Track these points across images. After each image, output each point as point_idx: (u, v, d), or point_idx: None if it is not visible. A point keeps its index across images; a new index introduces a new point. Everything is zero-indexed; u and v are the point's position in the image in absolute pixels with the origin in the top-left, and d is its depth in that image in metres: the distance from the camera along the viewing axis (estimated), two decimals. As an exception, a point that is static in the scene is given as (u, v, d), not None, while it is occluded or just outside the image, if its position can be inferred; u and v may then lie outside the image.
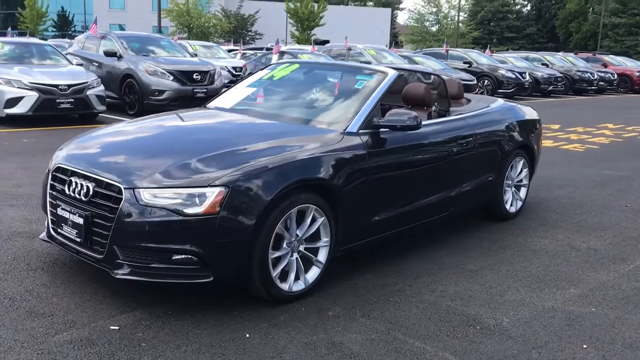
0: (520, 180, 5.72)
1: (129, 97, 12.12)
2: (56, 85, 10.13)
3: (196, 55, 14.81)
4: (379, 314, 3.48)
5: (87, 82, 10.55)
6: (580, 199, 6.55)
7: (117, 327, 3.14)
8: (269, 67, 5.15)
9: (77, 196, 3.43)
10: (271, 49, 18.38)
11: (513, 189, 5.62)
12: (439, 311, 3.57)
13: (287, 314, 3.41)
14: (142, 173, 3.30)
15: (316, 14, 43.07)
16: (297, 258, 3.58)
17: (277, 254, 3.43)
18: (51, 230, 3.66)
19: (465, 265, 4.36)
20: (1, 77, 9.99)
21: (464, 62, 21.17)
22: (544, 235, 5.20)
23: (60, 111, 10.20)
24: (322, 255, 3.71)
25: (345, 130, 3.96)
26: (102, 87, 10.88)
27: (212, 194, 3.17)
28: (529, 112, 5.95)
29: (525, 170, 5.71)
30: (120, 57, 12.39)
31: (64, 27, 55.86)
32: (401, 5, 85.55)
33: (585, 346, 3.24)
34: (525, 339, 3.27)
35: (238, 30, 48.73)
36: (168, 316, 3.30)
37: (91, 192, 3.37)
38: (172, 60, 12.67)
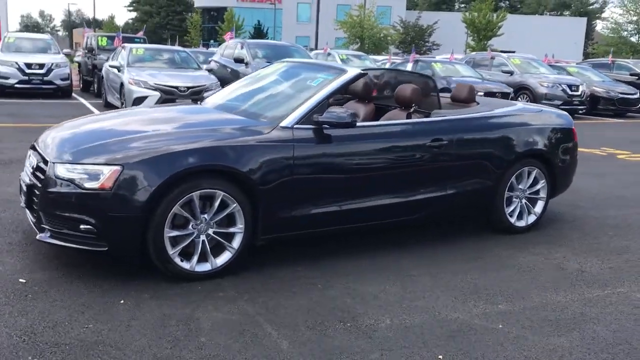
0: (536, 193, 5.28)
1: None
2: (176, 87, 11.33)
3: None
4: (263, 301, 3.59)
5: (205, 85, 11.62)
6: (630, 222, 5.82)
7: (24, 281, 3.66)
8: (266, 66, 5.41)
9: (28, 167, 4.05)
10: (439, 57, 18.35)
11: (523, 201, 5.21)
12: (326, 306, 3.57)
13: (178, 289, 3.67)
14: (66, 152, 3.80)
15: (494, 23, 41.68)
16: (204, 240, 3.81)
17: (176, 233, 3.70)
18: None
19: (409, 270, 4.23)
20: (132, 79, 11.43)
21: (631, 74, 19.18)
22: (536, 252, 4.78)
23: (179, 109, 11.41)
24: (236, 242, 3.90)
25: (278, 124, 4.10)
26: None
27: (108, 172, 3.55)
28: (550, 119, 5.47)
29: (542, 182, 5.26)
30: (247, 64, 13.36)
31: (259, 38, 60.33)
32: (604, 15, 78.72)
33: (440, 357, 3.05)
34: (382, 341, 3.17)
35: (415, 40, 48.88)
36: (63, 279, 3.74)
37: (35, 165, 3.95)
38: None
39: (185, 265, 3.77)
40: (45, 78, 15.20)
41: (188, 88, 11.39)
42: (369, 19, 37.44)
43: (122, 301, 3.47)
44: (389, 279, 4.05)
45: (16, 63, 15.09)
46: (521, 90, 16.20)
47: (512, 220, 5.16)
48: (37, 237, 3.81)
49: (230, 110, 4.57)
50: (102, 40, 17.62)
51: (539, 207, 5.33)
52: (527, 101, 15.23)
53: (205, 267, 3.84)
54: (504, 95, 14.53)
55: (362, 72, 4.58)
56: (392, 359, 3.01)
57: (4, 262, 3.95)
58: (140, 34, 22.03)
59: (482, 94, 12.57)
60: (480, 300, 3.79)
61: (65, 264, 3.96)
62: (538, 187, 5.27)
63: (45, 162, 3.83)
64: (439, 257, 4.52)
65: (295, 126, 4.11)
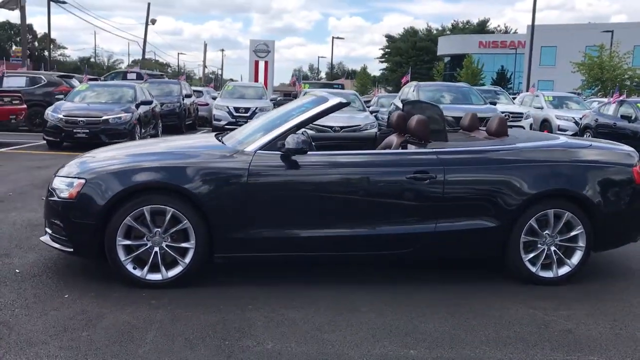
0: (572, 240, 4.55)
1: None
2: (331, 127, 11.93)
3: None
4: (177, 312, 3.80)
5: (359, 125, 12.05)
6: None
7: (19, 271, 4.43)
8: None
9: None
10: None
11: (553, 248, 4.53)
12: (216, 325, 3.64)
13: (125, 291, 4.08)
14: (62, 168, 4.52)
15: None
16: (156, 252, 4.18)
17: (128, 242, 4.14)
18: None
19: (362, 305, 4.04)
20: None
21: None
22: (536, 305, 4.13)
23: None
24: (188, 257, 4.19)
25: (243, 149, 4.32)
26: (375, 129, 12.20)
27: (75, 184, 4.16)
28: (599, 155, 4.67)
29: (578, 229, 4.51)
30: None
31: (501, 83, 59.11)
32: None
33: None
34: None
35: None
36: (39, 272, 4.41)
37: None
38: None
39: (137, 272, 4.17)
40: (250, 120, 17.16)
41: (341, 128, 11.92)
42: (609, 60, 34.15)
43: (66, 295, 4.02)
44: (333, 310, 3.93)
45: (227, 107, 17.35)
46: None
47: (534, 269, 4.52)
48: (40, 238, 4.57)
49: (232, 142, 4.81)
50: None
51: (576, 257, 4.57)
52: None
53: (157, 277, 4.19)
54: None
55: (343, 101, 4.55)
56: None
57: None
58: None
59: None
60: (413, 345, 3.47)
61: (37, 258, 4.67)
62: (573, 234, 4.54)
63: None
64: (404, 297, 4.21)
65: (258, 151, 4.29)
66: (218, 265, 4.40)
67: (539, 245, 4.54)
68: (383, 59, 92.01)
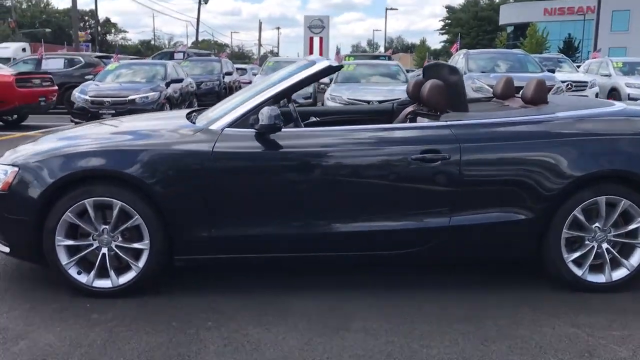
0: (632, 235, 3.54)
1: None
2: (368, 101, 10.98)
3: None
4: (107, 317, 3.07)
5: (400, 98, 11.01)
6: None
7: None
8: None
9: None
10: None
11: (605, 246, 3.54)
12: (157, 350, 2.89)
13: (59, 304, 3.38)
14: (6, 153, 3.80)
15: None
16: (106, 254, 3.45)
17: (70, 242, 3.42)
18: None
19: (349, 325, 3.19)
20: (330, 94, 11.51)
21: None
22: (578, 321, 3.17)
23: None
24: (142, 260, 3.45)
25: (209, 127, 3.52)
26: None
27: (9, 172, 3.46)
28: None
29: (639, 220, 3.50)
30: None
31: (569, 52, 56.14)
32: None
33: None
34: None
35: None
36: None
37: None
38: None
39: (82, 278, 3.46)
40: (290, 97, 16.36)
41: (379, 102, 10.94)
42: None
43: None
44: (313, 328, 3.11)
45: (267, 84, 16.60)
46: None
47: (580, 272, 3.54)
48: None
49: (204, 119, 4.01)
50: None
51: (636, 257, 3.56)
52: None
53: (106, 283, 3.47)
54: None
55: (333, 65, 3.65)
56: None
57: None
58: None
59: None
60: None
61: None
62: (633, 227, 3.52)
63: None
64: (405, 310, 3.33)
65: (225, 130, 3.48)
66: (185, 269, 3.66)
67: (587, 242, 3.55)
68: (443, 31, 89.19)
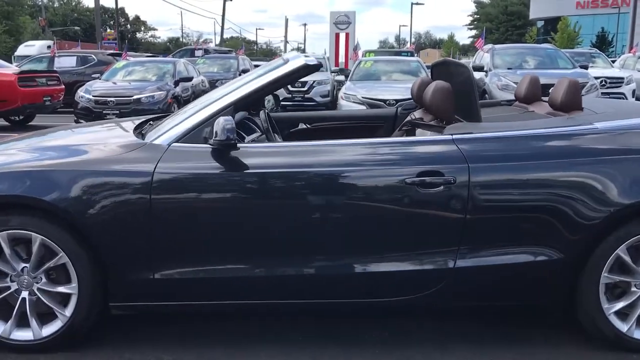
0: (693, 281, 2.76)
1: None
2: (384, 100, 10.25)
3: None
4: None
5: (417, 97, 10.28)
6: None
7: None
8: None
9: None
10: None
11: (656, 293, 2.76)
12: None
13: None
14: None
15: None
16: (26, 298, 2.79)
17: (-21, 283, 2.77)
18: None
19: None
20: (345, 93, 10.80)
21: None
22: None
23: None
24: (70, 306, 2.77)
25: (152, 141, 2.83)
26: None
27: None
28: None
29: None
30: (486, 72, 11.57)
31: (602, 47, 54.48)
32: None
33: None
34: None
35: None
36: None
37: None
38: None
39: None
40: (307, 95, 15.63)
41: (397, 101, 10.18)
42: None
43: None
44: None
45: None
46: None
47: (624, 327, 2.76)
48: None
49: (153, 131, 3.26)
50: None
51: (699, 308, 2.77)
52: None
53: (27, 335, 2.80)
54: None
55: (310, 63, 2.91)
56: None
57: None
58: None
59: None
60: None
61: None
62: (694, 269, 2.74)
63: None
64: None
65: (173, 145, 2.78)
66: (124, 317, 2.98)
67: (634, 289, 2.77)
68: (472, 26, 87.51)
